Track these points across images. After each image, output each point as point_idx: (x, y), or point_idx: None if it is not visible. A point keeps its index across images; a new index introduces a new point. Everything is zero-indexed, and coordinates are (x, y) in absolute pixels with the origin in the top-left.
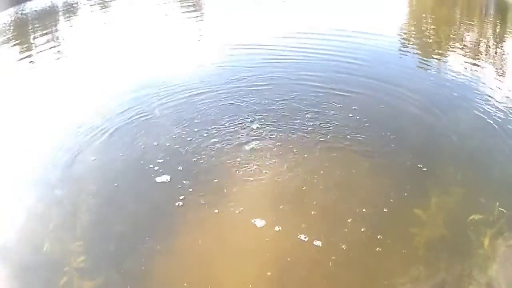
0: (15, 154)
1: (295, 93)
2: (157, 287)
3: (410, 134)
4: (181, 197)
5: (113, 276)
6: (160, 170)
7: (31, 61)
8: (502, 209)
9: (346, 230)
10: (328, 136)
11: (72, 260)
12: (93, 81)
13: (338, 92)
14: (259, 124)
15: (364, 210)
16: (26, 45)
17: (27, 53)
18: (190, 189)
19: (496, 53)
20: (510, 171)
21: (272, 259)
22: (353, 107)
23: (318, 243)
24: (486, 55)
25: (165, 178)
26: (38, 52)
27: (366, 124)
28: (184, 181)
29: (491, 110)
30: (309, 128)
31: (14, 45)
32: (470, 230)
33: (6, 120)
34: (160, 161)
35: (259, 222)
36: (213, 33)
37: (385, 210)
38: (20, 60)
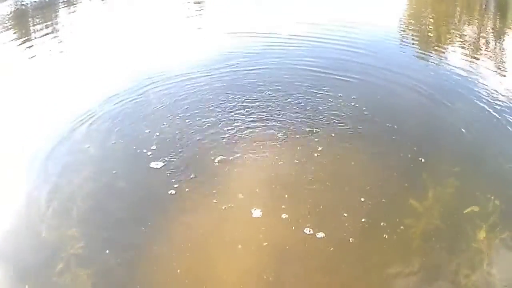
0: (12, 141)
1: (295, 78)
2: (154, 273)
3: (408, 125)
4: (175, 185)
5: (110, 262)
6: (154, 156)
7: (30, 51)
8: (497, 202)
9: (342, 220)
10: (327, 124)
11: (69, 246)
12: (92, 69)
13: (337, 80)
14: (255, 109)
15: (362, 199)
16: (26, 36)
17: (27, 44)
18: (184, 175)
19: (495, 47)
20: (506, 164)
21: (269, 248)
22: (353, 96)
23: (311, 232)
24: (485, 49)
25: (160, 163)
26: (38, 43)
27: (365, 113)
28: (178, 167)
29: (490, 102)
30: (305, 117)
31: (14, 36)
32: (465, 222)
33: (4, 109)
34: (154, 147)
35: (255, 211)
36: (215, 21)
37: (383, 200)
38: (19, 50)
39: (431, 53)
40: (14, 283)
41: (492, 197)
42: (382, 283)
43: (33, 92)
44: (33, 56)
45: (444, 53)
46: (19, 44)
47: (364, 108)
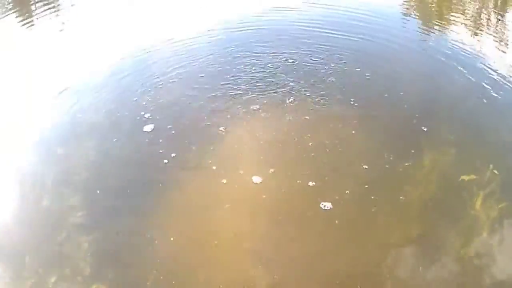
0: (13, 115)
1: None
2: (154, 239)
3: (409, 94)
4: (173, 155)
5: (110, 230)
6: (154, 123)
7: (31, 26)
8: (495, 171)
9: (341, 186)
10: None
11: (71, 215)
12: (94, 44)
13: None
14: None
15: (365, 166)
16: (27, 13)
17: (27, 20)
18: (183, 144)
19: (497, 23)
20: (506, 135)
21: (267, 214)
22: (357, 67)
23: (311, 200)
24: (487, 25)
25: (158, 132)
26: (39, 17)
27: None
28: (177, 134)
29: (492, 75)
30: (308, 84)
31: (14, 13)
32: (463, 190)
33: (6, 82)
34: (151, 115)
35: (255, 178)
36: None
37: (386, 166)
38: (20, 26)
39: (434, 25)
40: (15, 253)
41: (491, 166)
42: (380, 247)
43: (36, 64)
44: (34, 30)
45: (446, 26)
46: (20, 20)
47: (368, 76)
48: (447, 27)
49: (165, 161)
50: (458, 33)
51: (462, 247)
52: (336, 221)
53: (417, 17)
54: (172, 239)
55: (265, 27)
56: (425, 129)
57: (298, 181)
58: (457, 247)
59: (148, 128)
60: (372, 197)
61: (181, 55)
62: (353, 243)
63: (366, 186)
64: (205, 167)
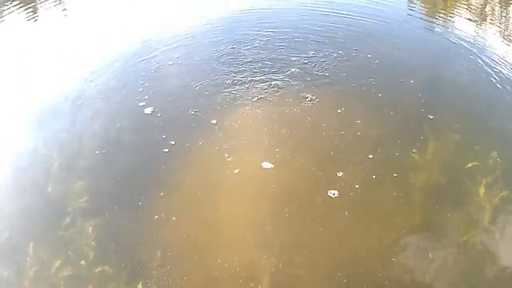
0: (16, 100)
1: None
2: (159, 223)
3: (415, 81)
4: (173, 142)
5: (115, 214)
6: (157, 110)
7: (35, 16)
8: (498, 159)
9: (347, 171)
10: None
11: (75, 200)
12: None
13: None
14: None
15: (370, 156)
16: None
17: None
18: (187, 127)
19: (501, 12)
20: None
21: (271, 197)
22: (368, 54)
23: (315, 183)
24: (491, 14)
25: (151, 111)
26: (43, 8)
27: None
28: (178, 118)
29: (496, 65)
30: (317, 69)
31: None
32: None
33: (11, 70)
34: (148, 98)
35: (265, 164)
36: None
37: (395, 153)
38: (25, 16)
39: (439, 15)
40: (20, 238)
41: (494, 153)
42: (384, 233)
43: (42, 53)
44: (37, 18)
45: (451, 17)
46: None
47: (376, 62)
48: (453, 17)
49: (172, 142)
50: (465, 23)
51: (465, 233)
52: (341, 208)
53: (422, 8)
54: (177, 221)
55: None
56: (432, 117)
57: (304, 166)
58: (460, 234)
59: (148, 110)
60: (379, 185)
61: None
62: (357, 229)
63: (373, 174)
64: (211, 150)
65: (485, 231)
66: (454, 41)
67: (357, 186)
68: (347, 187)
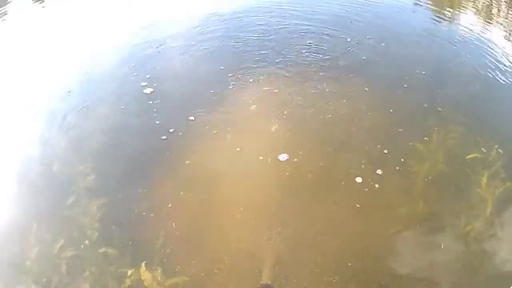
0: (26, 88)
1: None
2: (163, 204)
3: (421, 75)
4: (191, 117)
5: (119, 194)
6: (159, 95)
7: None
8: (500, 150)
9: (350, 158)
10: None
11: (80, 181)
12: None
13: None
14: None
15: (379, 146)
16: None
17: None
18: (194, 112)
19: (508, 12)
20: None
21: (275, 184)
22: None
23: (318, 171)
24: (498, 13)
25: (161, 104)
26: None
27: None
28: (182, 103)
29: (503, 62)
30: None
31: None
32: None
33: (20, 60)
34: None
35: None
36: None
37: (400, 144)
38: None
39: (446, 11)
40: (25, 218)
41: (496, 146)
42: (387, 223)
43: (48, 40)
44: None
45: (457, 15)
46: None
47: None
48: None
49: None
50: (472, 20)
51: (467, 224)
52: (339, 192)
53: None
54: (182, 202)
55: None
56: (440, 109)
57: (300, 152)
58: (462, 224)
59: (148, 90)
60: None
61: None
62: (360, 219)
63: (378, 168)
64: (215, 133)
65: (487, 221)
66: (463, 39)
67: (360, 172)
68: (350, 176)
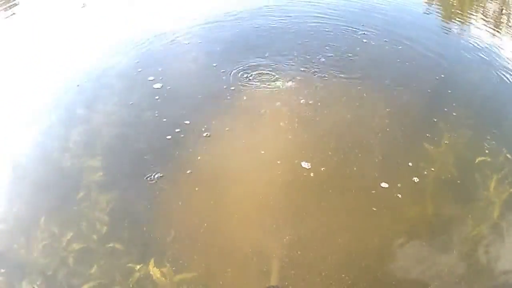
0: (34, 78)
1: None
2: (173, 200)
3: (429, 78)
4: (186, 122)
5: (129, 189)
6: (169, 89)
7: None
8: (508, 155)
9: (357, 160)
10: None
11: (90, 175)
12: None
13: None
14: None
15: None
16: None
17: None
18: (202, 111)
19: None
20: None
21: (278, 183)
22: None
23: (324, 171)
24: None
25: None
26: None
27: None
28: (192, 99)
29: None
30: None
31: None
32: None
33: (29, 54)
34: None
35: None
36: None
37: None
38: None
39: (454, 19)
40: (34, 212)
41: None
42: (394, 225)
43: (63, 32)
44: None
45: (466, 19)
46: None
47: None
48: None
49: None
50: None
51: (474, 227)
52: (344, 193)
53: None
54: (192, 200)
55: None
56: (446, 109)
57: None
58: (469, 228)
59: (157, 85)
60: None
61: None
62: (367, 222)
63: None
64: (225, 132)
65: (495, 226)
66: (471, 43)
67: (369, 173)
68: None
